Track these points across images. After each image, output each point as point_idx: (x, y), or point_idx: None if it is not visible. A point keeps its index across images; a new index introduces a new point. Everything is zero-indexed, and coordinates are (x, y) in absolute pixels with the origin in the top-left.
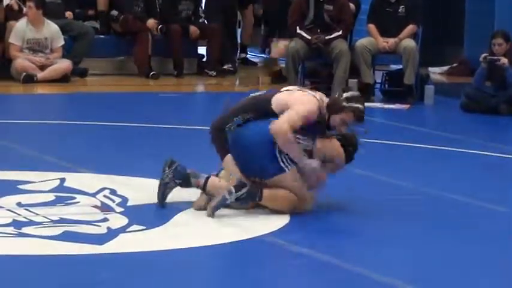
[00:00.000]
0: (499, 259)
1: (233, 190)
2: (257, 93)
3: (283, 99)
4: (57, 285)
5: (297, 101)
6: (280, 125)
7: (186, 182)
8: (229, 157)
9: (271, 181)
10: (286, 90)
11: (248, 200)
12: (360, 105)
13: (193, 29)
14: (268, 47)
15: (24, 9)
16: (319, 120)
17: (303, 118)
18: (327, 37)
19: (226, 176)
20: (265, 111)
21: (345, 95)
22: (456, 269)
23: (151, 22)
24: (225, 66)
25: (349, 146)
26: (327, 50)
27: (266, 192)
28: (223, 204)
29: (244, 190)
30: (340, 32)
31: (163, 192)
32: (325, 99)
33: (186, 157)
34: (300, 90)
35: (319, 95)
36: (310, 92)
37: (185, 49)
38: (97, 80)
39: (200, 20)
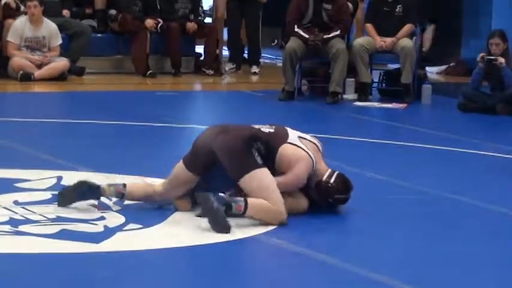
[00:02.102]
0: (498, 259)
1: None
2: (267, 132)
3: (287, 159)
4: (54, 284)
5: (297, 169)
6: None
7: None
8: None
9: (244, 179)
10: (290, 144)
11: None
12: (346, 197)
13: (190, 25)
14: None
15: (22, 8)
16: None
17: (299, 184)
18: (325, 36)
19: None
20: (271, 155)
21: (337, 195)
22: (454, 268)
23: (150, 22)
24: (253, 69)
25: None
26: (325, 49)
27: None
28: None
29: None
30: (338, 32)
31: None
32: (319, 162)
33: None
34: (302, 148)
35: (313, 150)
36: (309, 149)
37: (183, 48)
38: (94, 78)
39: (199, 18)
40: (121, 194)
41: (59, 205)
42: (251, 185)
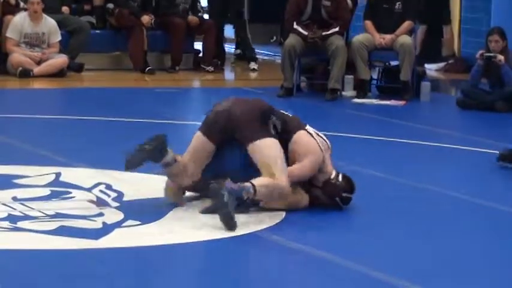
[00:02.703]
0: (497, 257)
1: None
2: (287, 113)
3: (300, 147)
4: (53, 280)
5: (310, 159)
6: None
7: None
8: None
9: (253, 145)
10: (307, 132)
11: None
12: (351, 196)
13: (191, 18)
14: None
15: (22, 4)
16: None
17: (307, 175)
18: (323, 33)
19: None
20: (285, 139)
21: (344, 194)
22: (454, 266)
23: (146, 18)
24: (252, 66)
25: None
26: (324, 46)
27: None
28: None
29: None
30: (337, 28)
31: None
32: (327, 161)
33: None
34: (316, 141)
35: (324, 148)
36: (322, 145)
37: (182, 44)
38: (93, 75)
39: (199, 14)
40: (174, 159)
41: (127, 167)
42: (259, 151)
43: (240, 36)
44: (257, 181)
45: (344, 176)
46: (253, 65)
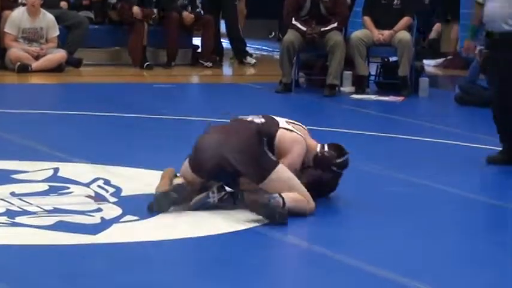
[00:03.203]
0: (497, 252)
1: (215, 190)
2: (258, 120)
3: (285, 143)
4: (51, 275)
5: (294, 151)
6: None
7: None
8: None
9: (269, 180)
10: (283, 129)
11: (230, 201)
12: (342, 171)
13: (186, 14)
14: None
15: None
16: None
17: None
18: (322, 29)
19: None
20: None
21: (337, 160)
22: (451, 261)
23: (136, 9)
24: (251, 61)
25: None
26: (322, 42)
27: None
28: (205, 202)
29: (226, 191)
30: (335, 24)
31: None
32: (308, 140)
33: (180, 148)
34: (294, 131)
35: (303, 133)
36: (298, 130)
37: (180, 40)
38: (91, 70)
39: (197, 10)
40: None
41: (155, 210)
42: (275, 184)
43: (233, 30)
44: (286, 194)
45: (329, 145)
46: (249, 60)
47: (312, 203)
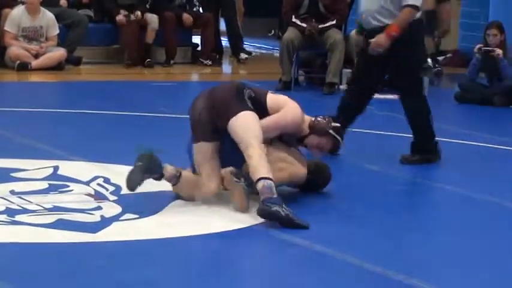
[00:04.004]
0: (495, 250)
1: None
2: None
3: (277, 101)
4: (51, 273)
5: (289, 106)
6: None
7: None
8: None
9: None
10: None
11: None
12: (340, 138)
13: (186, 17)
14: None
15: None
16: (294, 133)
17: (290, 123)
18: (320, 26)
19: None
20: (262, 105)
21: (333, 124)
22: (450, 259)
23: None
24: (243, 57)
25: (318, 178)
26: (321, 40)
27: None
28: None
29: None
30: (334, 21)
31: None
32: (306, 117)
33: (179, 146)
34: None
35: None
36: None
37: (179, 38)
38: (91, 68)
39: (194, 9)
40: (176, 177)
41: (129, 189)
42: (235, 127)
43: (231, 26)
44: (255, 172)
45: (323, 116)
46: (242, 56)
47: (261, 146)
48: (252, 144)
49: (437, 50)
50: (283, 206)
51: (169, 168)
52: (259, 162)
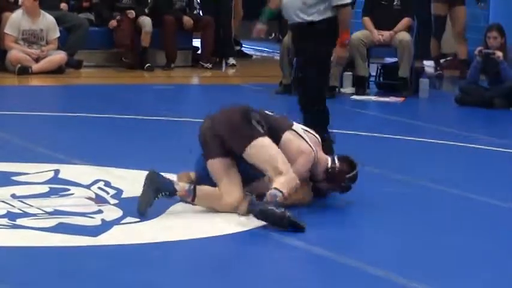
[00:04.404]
0: (496, 252)
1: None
2: (271, 114)
3: (290, 149)
4: (52, 277)
5: (298, 164)
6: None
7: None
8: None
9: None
10: (295, 132)
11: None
12: (356, 173)
13: (186, 19)
14: None
15: (20, 0)
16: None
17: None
18: None
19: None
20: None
21: (348, 175)
22: (451, 261)
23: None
24: (231, 62)
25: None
26: None
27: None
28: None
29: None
30: None
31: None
32: (320, 153)
33: (180, 150)
34: (305, 140)
35: (314, 143)
36: (311, 141)
37: (180, 41)
38: (91, 72)
39: (195, 12)
40: (191, 191)
41: (140, 211)
42: (256, 153)
43: (225, 30)
44: (277, 184)
45: (339, 158)
46: (231, 61)
47: (296, 180)
48: (280, 171)
49: (441, 53)
50: (280, 208)
51: (181, 184)
52: (287, 181)
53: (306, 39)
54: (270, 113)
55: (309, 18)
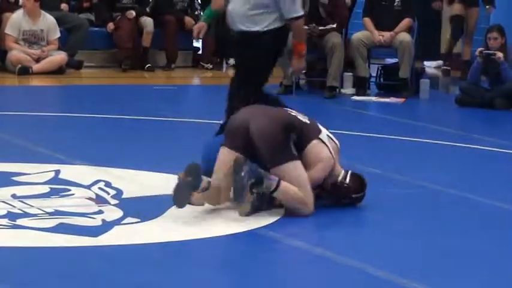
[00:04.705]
0: (496, 253)
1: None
2: (304, 121)
3: (312, 154)
4: (52, 277)
5: (315, 170)
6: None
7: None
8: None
9: (282, 168)
10: (320, 140)
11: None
12: (362, 195)
13: (188, 20)
14: None
15: (21, 1)
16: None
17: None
18: (320, 28)
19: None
20: (300, 144)
21: (354, 195)
22: (452, 262)
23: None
24: (231, 62)
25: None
26: (322, 43)
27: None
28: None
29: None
30: (334, 25)
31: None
32: (337, 163)
33: (180, 150)
34: (328, 148)
35: (335, 151)
36: (333, 149)
37: (181, 42)
38: (92, 72)
39: (196, 13)
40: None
41: (178, 206)
42: (284, 175)
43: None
44: (285, 183)
45: (353, 175)
46: (232, 61)
47: (310, 207)
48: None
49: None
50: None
51: (205, 180)
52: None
53: (249, 48)
54: (304, 119)
55: (255, 28)
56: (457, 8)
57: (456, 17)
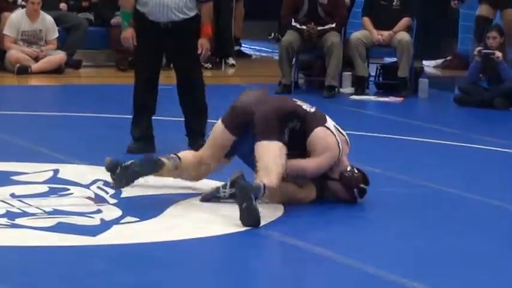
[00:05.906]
0: (496, 254)
1: (227, 185)
2: (309, 111)
3: (318, 143)
4: (51, 277)
5: (322, 157)
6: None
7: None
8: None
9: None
10: (327, 128)
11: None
12: (366, 188)
13: None
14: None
15: (19, 1)
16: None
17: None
18: (319, 28)
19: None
20: (305, 131)
21: (362, 185)
22: (452, 262)
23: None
24: (230, 62)
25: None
26: (320, 43)
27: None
28: (216, 196)
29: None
30: (333, 25)
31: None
32: (345, 156)
33: (180, 150)
34: (334, 136)
35: (343, 143)
36: (340, 139)
37: None
38: (91, 71)
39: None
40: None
41: (116, 185)
42: (262, 152)
43: (224, 30)
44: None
45: (359, 170)
46: (231, 60)
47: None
48: (272, 173)
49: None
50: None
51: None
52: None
53: (189, 36)
54: (310, 108)
55: (191, 14)
56: (483, 9)
57: (481, 17)
